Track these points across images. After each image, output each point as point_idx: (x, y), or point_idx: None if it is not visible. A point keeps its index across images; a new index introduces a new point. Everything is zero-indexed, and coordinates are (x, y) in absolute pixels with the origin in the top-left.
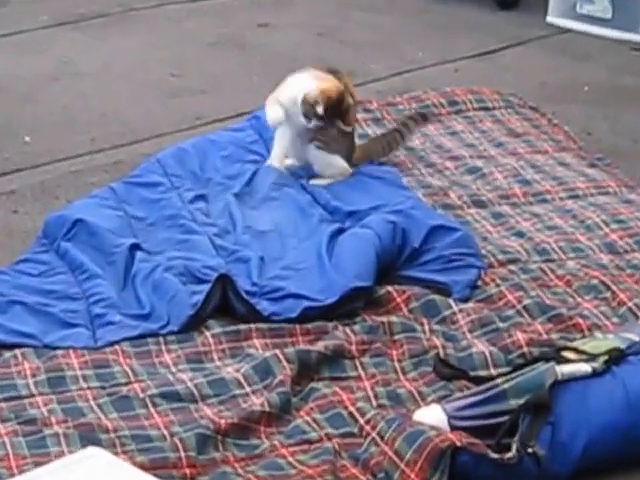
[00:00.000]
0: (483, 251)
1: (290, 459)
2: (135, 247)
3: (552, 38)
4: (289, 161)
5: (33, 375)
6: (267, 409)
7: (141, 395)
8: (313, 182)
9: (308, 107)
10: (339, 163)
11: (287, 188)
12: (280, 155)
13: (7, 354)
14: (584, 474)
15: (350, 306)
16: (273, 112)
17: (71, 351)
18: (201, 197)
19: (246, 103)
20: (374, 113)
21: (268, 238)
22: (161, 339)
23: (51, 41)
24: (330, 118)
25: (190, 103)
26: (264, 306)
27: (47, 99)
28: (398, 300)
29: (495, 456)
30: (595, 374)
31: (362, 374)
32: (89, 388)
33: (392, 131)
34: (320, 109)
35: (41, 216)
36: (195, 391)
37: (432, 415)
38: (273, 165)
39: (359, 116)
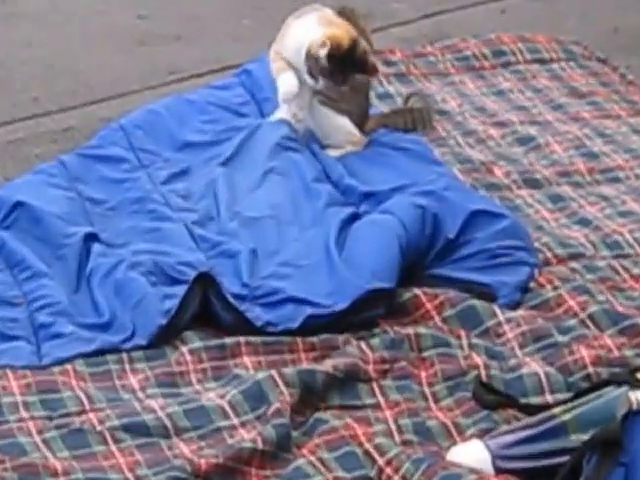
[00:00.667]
0: (537, 244)
1: None
2: (91, 238)
3: None
4: (300, 114)
5: None
6: (260, 446)
7: (99, 428)
8: (324, 153)
9: (313, 62)
10: (349, 128)
11: (292, 154)
12: (286, 106)
13: None
14: None
15: (367, 314)
16: (286, 81)
17: (8, 371)
18: (176, 176)
19: (234, 53)
20: (397, 66)
21: (262, 226)
22: (124, 356)
23: None
24: (341, 74)
25: (162, 53)
26: (257, 313)
27: None
28: (428, 306)
29: None
30: None
31: (382, 401)
32: (32, 418)
33: (425, 107)
34: (325, 62)
35: None
36: (168, 423)
37: (472, 454)
38: (277, 118)
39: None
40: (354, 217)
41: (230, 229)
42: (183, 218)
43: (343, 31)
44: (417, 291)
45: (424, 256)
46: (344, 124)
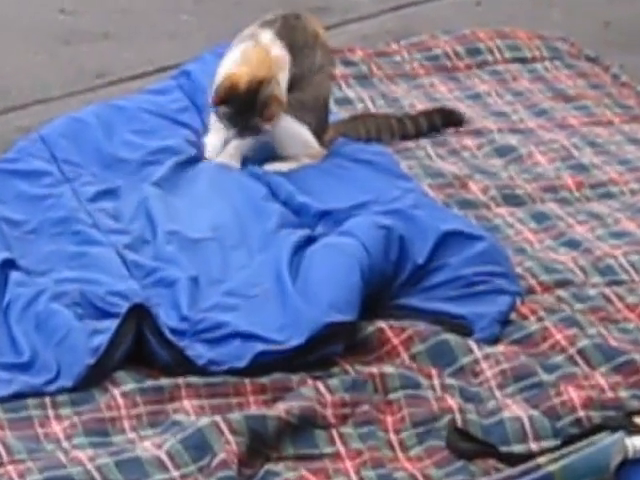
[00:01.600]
0: (519, 269)
1: None
2: (8, 264)
3: None
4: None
5: None
6: None
7: None
8: (269, 167)
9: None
10: (308, 138)
11: (233, 174)
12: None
13: None
14: None
15: (324, 351)
16: (208, 144)
17: None
18: (106, 193)
19: (170, 53)
20: (358, 67)
21: (204, 250)
22: (47, 400)
23: None
24: (238, 118)
25: (88, 53)
26: (198, 351)
27: None
28: (395, 341)
29: None
30: None
31: (342, 450)
32: None
33: (389, 116)
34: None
35: None
36: (97, 476)
37: None
38: (220, 161)
39: (337, 72)
40: (309, 240)
41: (167, 254)
42: (113, 241)
43: (247, 71)
44: (382, 324)
45: (389, 284)
46: (302, 134)
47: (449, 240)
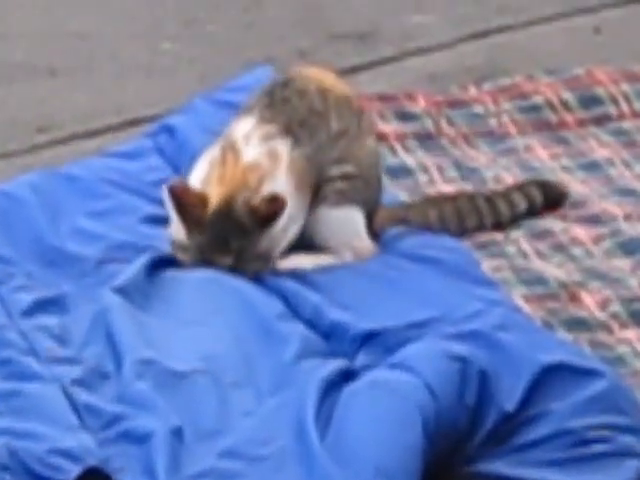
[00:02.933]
0: None
1: None
2: None
3: None
4: None
5: None
6: None
7: None
8: (285, 264)
9: None
10: (358, 226)
11: (233, 281)
12: None
13: None
14: None
15: None
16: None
17: None
18: (48, 303)
19: (146, 98)
20: (421, 122)
21: (192, 388)
22: None
23: None
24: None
25: (26, 97)
26: None
27: None
28: None
29: None
30: None
31: None
32: None
33: (474, 196)
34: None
35: None
36: None
37: None
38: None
39: (389, 128)
40: (345, 376)
41: (137, 393)
42: (58, 375)
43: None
44: None
45: (464, 441)
46: (354, 219)
47: (552, 377)
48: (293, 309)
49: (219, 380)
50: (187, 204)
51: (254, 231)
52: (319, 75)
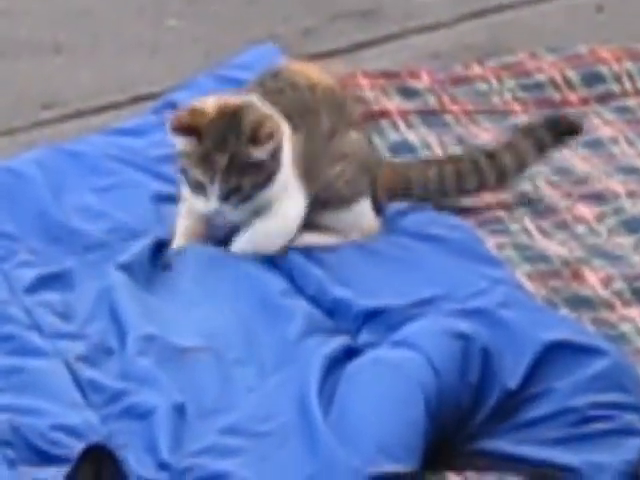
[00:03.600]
0: None
1: None
2: None
3: None
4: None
5: None
6: None
7: None
8: (295, 242)
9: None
10: (364, 207)
11: (236, 260)
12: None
13: None
14: None
15: None
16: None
17: None
18: (51, 279)
19: (151, 74)
20: (424, 99)
21: (194, 365)
22: None
23: None
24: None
25: (30, 73)
26: None
27: None
28: None
29: None
30: None
31: None
32: None
33: (473, 153)
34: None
35: None
36: None
37: None
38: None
39: (392, 105)
40: (349, 353)
41: (140, 369)
42: (61, 350)
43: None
44: (454, 478)
45: (467, 419)
46: (363, 210)
47: (555, 355)
48: (297, 285)
49: (222, 357)
50: (186, 119)
51: (248, 143)
52: (305, 69)
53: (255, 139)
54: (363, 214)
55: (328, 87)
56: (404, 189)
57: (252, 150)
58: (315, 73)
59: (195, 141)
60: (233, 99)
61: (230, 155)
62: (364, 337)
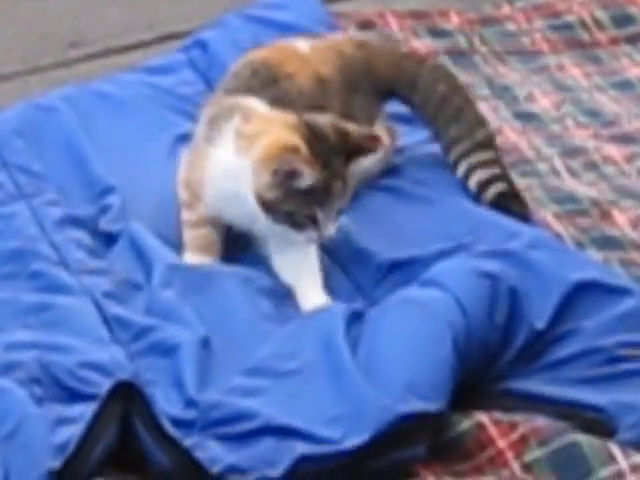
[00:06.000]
0: None
1: None
2: None
3: None
4: None
5: None
6: None
7: None
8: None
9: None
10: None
11: None
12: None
13: None
14: None
15: (398, 455)
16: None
17: None
18: (80, 221)
19: (178, 13)
20: (453, 39)
21: (219, 292)
22: None
23: None
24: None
25: (58, 11)
26: (212, 452)
27: None
28: (501, 444)
29: None
30: None
31: None
32: None
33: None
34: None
35: None
36: None
37: None
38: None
39: (422, 45)
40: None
41: (164, 303)
42: (89, 287)
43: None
44: (483, 418)
45: (494, 359)
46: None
47: (582, 296)
48: None
49: (249, 282)
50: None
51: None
52: (278, 56)
53: (366, 150)
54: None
55: (309, 76)
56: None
57: (358, 163)
58: (293, 61)
59: (300, 180)
60: (282, 129)
61: (342, 179)
62: (380, 291)
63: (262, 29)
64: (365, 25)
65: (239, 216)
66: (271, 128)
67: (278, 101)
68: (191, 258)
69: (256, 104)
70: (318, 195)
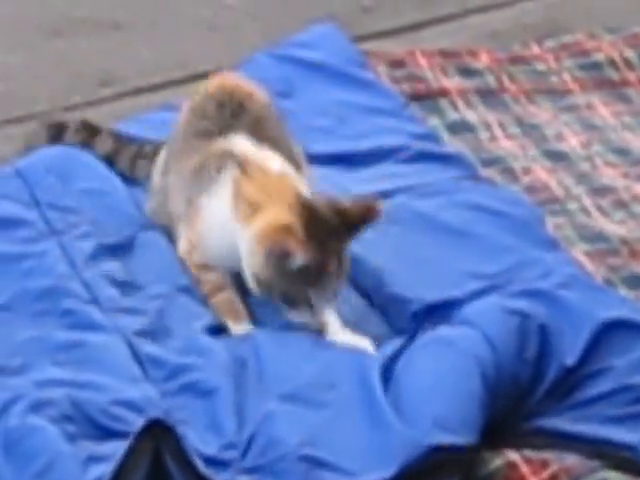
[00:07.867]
0: None
1: None
2: None
3: None
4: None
5: None
6: None
7: None
8: None
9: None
10: None
11: None
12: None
13: None
14: None
15: None
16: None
17: None
18: (113, 249)
19: (209, 52)
20: (483, 78)
21: (253, 335)
22: None
23: None
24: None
25: (89, 50)
26: None
27: None
28: None
29: None
30: None
31: None
32: None
33: None
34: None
35: None
36: None
37: None
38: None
39: (451, 84)
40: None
41: (202, 343)
42: (121, 325)
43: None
44: (513, 456)
45: (524, 396)
46: None
47: (613, 334)
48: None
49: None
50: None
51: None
52: (235, 85)
53: (366, 223)
54: None
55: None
56: None
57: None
58: (245, 88)
59: (292, 260)
60: (279, 207)
61: (338, 259)
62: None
63: (292, 68)
64: (395, 64)
65: (238, 262)
66: (268, 205)
67: (255, 125)
68: (235, 329)
69: (244, 146)
70: (311, 276)
